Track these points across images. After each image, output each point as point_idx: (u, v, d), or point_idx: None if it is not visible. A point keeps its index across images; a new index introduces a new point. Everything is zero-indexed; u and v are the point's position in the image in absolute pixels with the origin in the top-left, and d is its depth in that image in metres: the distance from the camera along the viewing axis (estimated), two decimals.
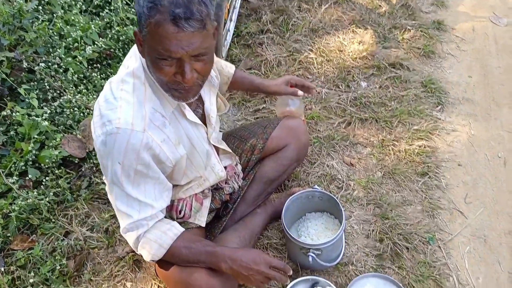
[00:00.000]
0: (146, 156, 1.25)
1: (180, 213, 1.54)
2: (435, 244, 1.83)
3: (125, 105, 1.23)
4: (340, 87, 2.52)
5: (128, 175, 1.26)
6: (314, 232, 1.80)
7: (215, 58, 1.63)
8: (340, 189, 2.05)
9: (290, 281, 1.67)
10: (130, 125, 1.21)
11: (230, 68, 1.80)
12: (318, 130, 2.31)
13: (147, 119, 1.25)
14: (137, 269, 1.84)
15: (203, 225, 1.64)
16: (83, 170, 2.19)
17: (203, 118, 1.49)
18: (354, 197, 2.01)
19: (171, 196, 1.43)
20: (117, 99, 1.24)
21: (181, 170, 1.44)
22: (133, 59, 1.31)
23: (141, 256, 1.71)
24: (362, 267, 1.77)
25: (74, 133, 2.23)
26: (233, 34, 2.80)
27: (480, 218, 1.93)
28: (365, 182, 2.05)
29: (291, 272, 1.40)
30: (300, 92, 1.80)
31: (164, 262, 1.43)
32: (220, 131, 1.86)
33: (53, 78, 2.29)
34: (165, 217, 1.43)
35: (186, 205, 1.55)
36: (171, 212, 1.55)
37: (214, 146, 1.57)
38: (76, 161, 2.18)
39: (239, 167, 1.80)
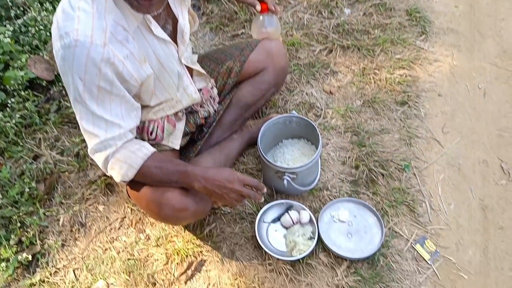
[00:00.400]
0: (108, 72, 1.17)
1: (151, 135, 1.48)
2: (410, 171, 1.83)
3: (83, 15, 1.12)
4: (323, 13, 2.41)
5: (91, 91, 1.17)
6: (290, 158, 1.78)
7: None
8: (318, 117, 2.01)
9: (264, 205, 1.67)
10: (89, 37, 1.11)
11: None
12: (299, 57, 2.23)
13: (108, 32, 1.15)
14: (109, 192, 1.81)
15: (177, 148, 1.59)
16: (51, 93, 2.09)
17: (174, 36, 1.39)
18: (332, 125, 1.97)
19: (140, 116, 1.36)
20: (74, 9, 1.12)
21: (149, 91, 1.36)
22: None
23: (112, 177, 1.68)
24: (336, 192, 1.77)
25: (41, 54, 2.11)
26: None
27: (456, 147, 1.93)
28: (343, 111, 2.01)
29: (265, 190, 1.39)
30: (258, 8, 1.69)
31: (136, 183, 1.38)
32: (194, 53, 1.77)
33: None
34: (136, 138, 1.38)
35: (157, 126, 1.49)
36: (142, 134, 1.49)
37: (186, 67, 1.49)
38: (44, 84, 2.09)
39: (215, 90, 1.72)
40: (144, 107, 1.42)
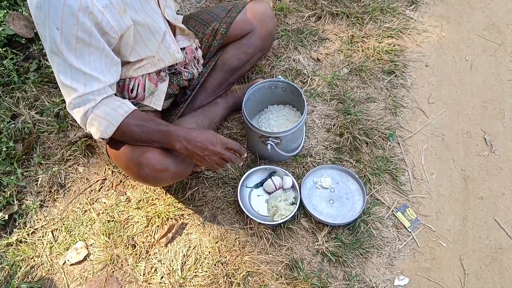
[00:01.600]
0: (87, 22, 1.12)
1: (132, 93, 1.43)
2: (394, 140, 1.83)
3: None
4: None
5: (68, 42, 1.12)
6: (275, 124, 1.76)
7: None
8: (305, 84, 1.98)
9: (248, 170, 1.66)
10: None
11: None
12: (287, 23, 2.19)
13: None
14: (89, 154, 1.78)
15: (159, 109, 1.55)
16: (31, 51, 2.03)
17: None
18: (318, 92, 1.95)
19: (119, 72, 1.32)
20: None
21: (128, 44, 1.31)
22: None
23: (94, 140, 1.64)
24: (320, 159, 1.76)
25: (19, 10, 2.03)
26: None
27: (440, 118, 1.93)
28: (330, 78, 1.99)
29: (245, 154, 1.37)
30: None
31: (116, 142, 1.35)
32: (179, 14, 1.72)
33: None
34: (116, 95, 1.34)
35: (138, 84, 1.44)
36: (123, 92, 1.44)
37: (169, 24, 1.44)
38: (23, 42, 2.01)
39: (199, 52, 1.68)
40: (124, 63, 1.37)
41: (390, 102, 1.93)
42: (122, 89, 1.44)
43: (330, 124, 1.86)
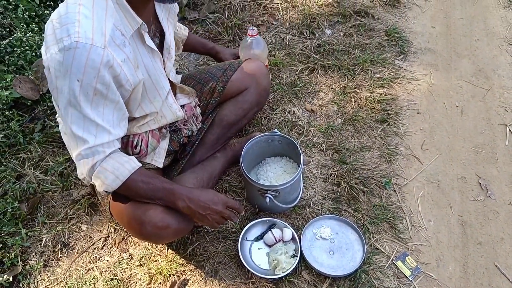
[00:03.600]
0: (106, 75, 1.18)
1: (135, 148, 1.49)
2: (390, 188, 1.87)
3: (83, 19, 1.15)
4: (305, 34, 2.47)
5: (87, 93, 1.18)
6: (273, 176, 1.81)
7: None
8: (301, 135, 2.05)
9: (247, 223, 1.69)
10: (90, 39, 1.13)
11: (184, 30, 1.86)
12: (281, 76, 2.28)
13: (107, 35, 1.17)
14: (92, 212, 1.81)
15: (160, 166, 1.61)
16: (36, 112, 2.10)
17: (160, 51, 1.42)
18: (314, 142, 2.01)
19: (127, 127, 1.37)
20: (75, 14, 1.15)
21: (136, 99, 1.37)
22: None
23: (97, 198, 1.68)
24: (319, 209, 1.79)
25: (26, 74, 2.13)
26: None
27: (435, 164, 1.97)
28: (325, 129, 2.06)
29: (243, 212, 1.42)
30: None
31: (118, 199, 1.40)
32: (177, 73, 1.80)
33: (1, 15, 2.15)
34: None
35: (142, 140, 1.50)
36: (127, 148, 1.49)
37: (170, 84, 1.52)
38: (28, 103, 2.09)
39: (198, 109, 1.75)
40: (129, 120, 1.43)
41: (385, 150, 1.99)
42: (126, 145, 1.49)
43: (327, 174, 1.90)
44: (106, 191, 1.32)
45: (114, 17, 1.20)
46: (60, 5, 1.21)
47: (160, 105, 1.47)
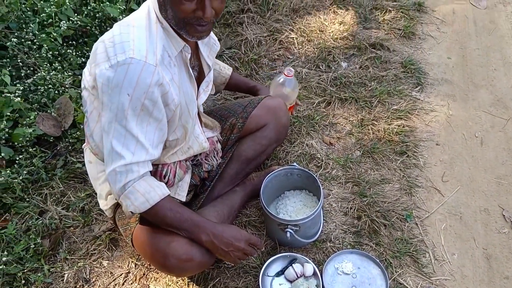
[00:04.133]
0: (155, 91, 1.23)
1: (164, 178, 1.50)
2: (412, 221, 1.85)
3: (137, 39, 1.23)
4: (321, 67, 2.51)
5: (135, 107, 1.22)
6: (293, 210, 1.80)
7: (215, 59, 1.73)
8: (319, 168, 2.05)
9: (268, 258, 1.68)
10: (144, 57, 1.20)
11: (227, 70, 1.91)
12: (298, 110, 2.30)
13: (158, 55, 1.25)
14: (113, 247, 1.82)
15: (184, 200, 1.62)
16: (58, 149, 2.14)
17: (197, 82, 1.48)
18: (333, 175, 2.01)
19: (161, 151, 1.39)
20: (129, 34, 1.23)
21: (175, 122, 1.39)
22: (145, 6, 1.32)
23: (118, 233, 1.69)
24: (340, 244, 1.77)
25: (49, 111, 2.18)
26: None
27: (456, 196, 1.95)
28: (344, 161, 2.05)
29: (263, 248, 1.42)
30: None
31: (141, 231, 1.41)
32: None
33: (26, 55, 2.22)
34: None
35: (170, 170, 1.52)
36: (155, 177, 1.51)
37: (198, 116, 1.56)
38: (51, 140, 2.14)
39: (219, 144, 1.78)
40: None
41: (405, 182, 1.97)
42: (155, 174, 1.50)
43: (347, 207, 1.89)
44: (132, 212, 1.32)
45: (163, 39, 1.28)
46: (113, 27, 1.30)
47: (190, 132, 1.49)
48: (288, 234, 1.62)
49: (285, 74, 1.89)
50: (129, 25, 1.26)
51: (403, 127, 2.19)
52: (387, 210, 1.86)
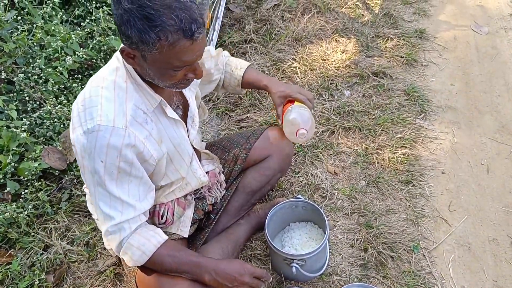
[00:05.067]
0: (128, 153, 1.23)
1: (162, 218, 1.51)
2: (419, 252, 1.82)
3: (105, 102, 1.22)
4: (324, 96, 2.52)
5: (111, 172, 1.23)
6: (298, 242, 1.79)
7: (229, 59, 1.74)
8: (324, 198, 2.03)
9: None
10: (111, 122, 1.20)
11: (239, 70, 1.75)
12: None
13: (128, 116, 1.24)
14: (118, 282, 1.80)
15: (186, 235, 1.61)
16: (63, 182, 2.15)
17: (184, 120, 1.47)
18: (338, 206, 1.99)
19: (154, 197, 1.40)
20: (97, 97, 1.22)
21: (161, 172, 1.41)
22: (115, 59, 1.29)
23: (122, 268, 1.68)
24: (346, 277, 1.75)
25: (54, 144, 2.19)
26: (216, 43, 2.79)
27: (464, 225, 1.93)
28: (349, 191, 2.04)
29: (270, 279, 1.41)
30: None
31: (145, 273, 1.40)
32: (203, 141, 1.84)
33: (32, 89, 2.25)
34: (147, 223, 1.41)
35: (168, 210, 1.52)
36: (153, 218, 1.52)
37: (195, 150, 1.56)
38: (56, 173, 2.14)
39: (222, 176, 1.77)
40: (156, 190, 1.46)
41: (411, 212, 1.95)
42: (152, 215, 1.51)
43: (353, 239, 1.87)
44: (135, 265, 1.35)
45: (134, 97, 1.26)
46: (86, 85, 1.29)
47: (186, 172, 1.50)
48: (294, 269, 1.60)
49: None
50: (98, 86, 1.24)
51: (408, 155, 2.18)
52: (394, 242, 1.84)
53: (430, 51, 2.87)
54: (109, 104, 1.22)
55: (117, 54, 1.29)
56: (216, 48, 1.79)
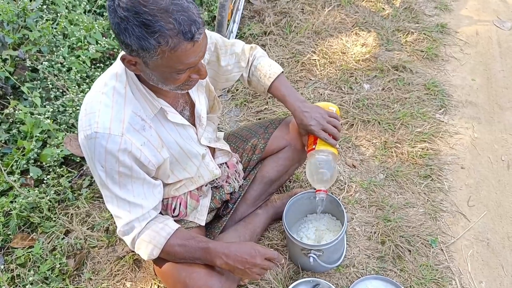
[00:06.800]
0: (126, 159, 1.26)
1: (174, 212, 1.54)
2: (437, 247, 1.82)
3: (103, 109, 1.24)
4: (343, 89, 2.51)
5: (112, 177, 1.27)
6: (316, 234, 1.79)
7: (249, 59, 1.70)
8: (342, 190, 2.04)
9: (291, 283, 1.67)
10: (107, 129, 1.22)
11: (267, 79, 1.66)
12: None
13: (125, 122, 1.25)
14: (137, 268, 1.83)
15: (203, 224, 1.63)
16: (84, 169, 2.19)
17: (192, 119, 1.48)
18: (356, 199, 1.99)
19: (162, 191, 1.43)
20: (97, 103, 1.25)
21: (165, 173, 1.44)
22: (118, 63, 1.29)
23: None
24: (363, 269, 1.75)
25: (76, 132, 2.23)
26: (236, 35, 2.80)
27: (483, 221, 1.91)
28: (367, 184, 2.04)
29: (282, 261, 1.43)
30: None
31: (162, 261, 1.43)
32: (221, 131, 1.85)
33: (56, 77, 2.29)
34: (161, 213, 1.45)
35: (180, 203, 1.54)
36: (167, 211, 1.54)
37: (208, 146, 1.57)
38: (77, 160, 2.18)
39: (240, 166, 1.79)
40: (165, 184, 1.49)
41: (429, 207, 1.94)
42: (166, 207, 1.54)
43: (371, 232, 1.87)
44: (150, 259, 1.40)
45: (133, 104, 1.27)
46: (92, 87, 1.31)
47: (195, 170, 1.52)
48: (311, 259, 1.61)
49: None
50: (99, 92, 1.26)
51: (427, 150, 2.17)
52: (412, 235, 1.83)
53: (451, 46, 2.84)
54: (107, 110, 1.24)
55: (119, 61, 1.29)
56: (233, 39, 1.74)
